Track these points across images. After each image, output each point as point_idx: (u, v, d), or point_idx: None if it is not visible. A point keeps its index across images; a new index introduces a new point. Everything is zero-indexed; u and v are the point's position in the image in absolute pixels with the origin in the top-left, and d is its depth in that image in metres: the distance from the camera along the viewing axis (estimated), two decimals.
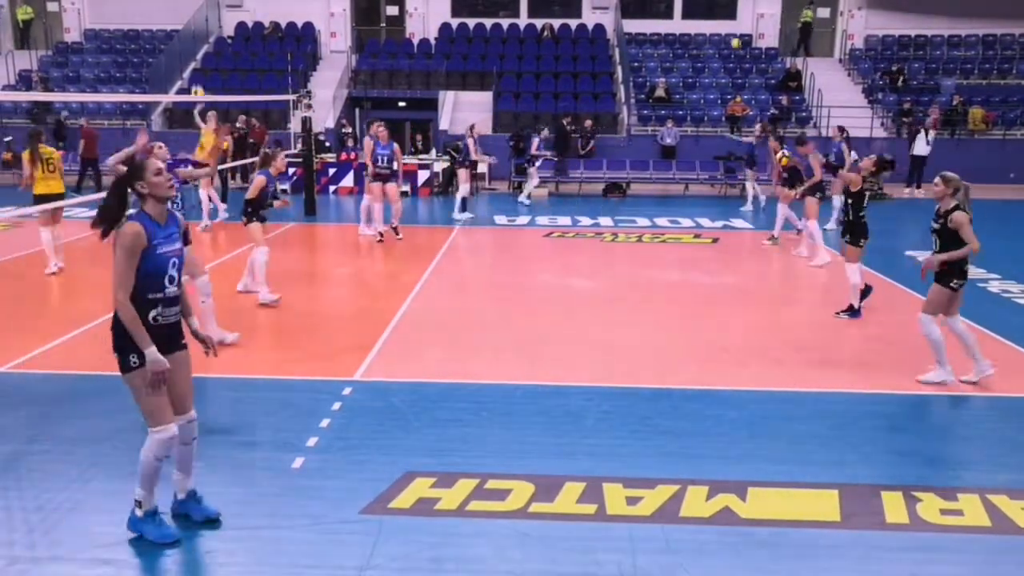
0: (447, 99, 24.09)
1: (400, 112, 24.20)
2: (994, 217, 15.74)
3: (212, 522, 4.34)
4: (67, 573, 3.95)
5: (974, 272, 10.03)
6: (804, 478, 4.98)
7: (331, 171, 19.36)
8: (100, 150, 18.64)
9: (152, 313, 3.99)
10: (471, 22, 27.13)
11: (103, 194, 4.34)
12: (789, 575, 4.03)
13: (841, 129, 15.58)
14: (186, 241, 7.20)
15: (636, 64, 25.47)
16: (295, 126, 18.89)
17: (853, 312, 8.74)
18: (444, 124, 23.04)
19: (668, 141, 21.83)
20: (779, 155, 13.04)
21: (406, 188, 17.91)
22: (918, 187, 19.73)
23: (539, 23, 26.88)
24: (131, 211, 4.07)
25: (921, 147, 20.23)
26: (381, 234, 12.91)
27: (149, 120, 22.99)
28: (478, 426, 5.75)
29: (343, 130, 21.31)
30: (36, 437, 5.45)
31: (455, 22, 27.12)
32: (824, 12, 27.06)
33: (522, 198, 18.20)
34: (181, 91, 23.43)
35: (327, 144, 20.57)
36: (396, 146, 13.01)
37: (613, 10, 26.65)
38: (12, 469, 4.97)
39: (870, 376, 6.92)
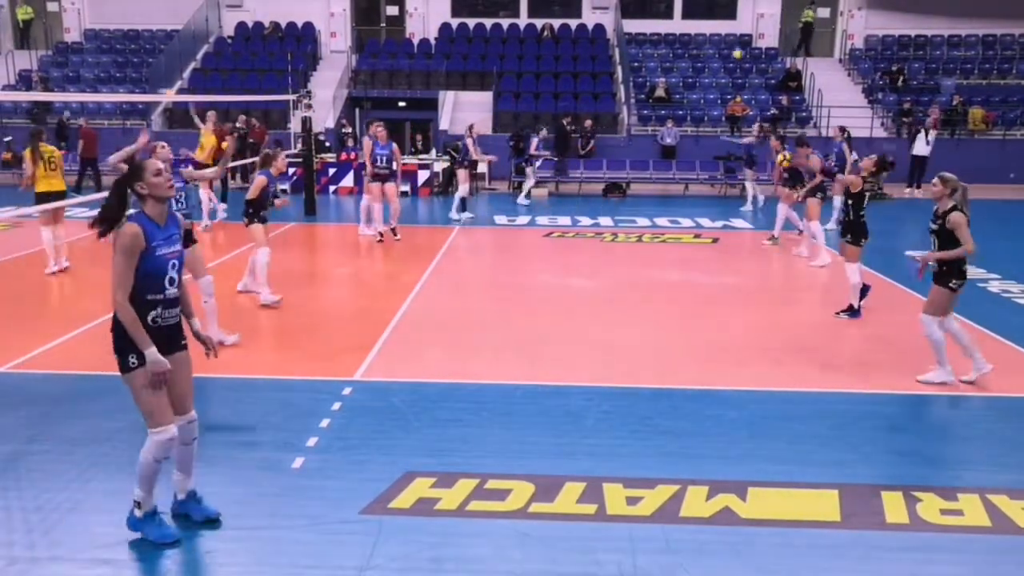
0: (447, 99, 24.09)
1: (400, 112, 24.21)
2: (994, 217, 15.76)
3: (212, 522, 4.34)
4: (67, 573, 3.95)
5: (974, 272, 10.04)
6: (804, 478, 4.98)
7: (331, 171, 19.36)
8: (100, 150, 18.65)
9: (151, 314, 3.98)
10: (471, 22, 27.13)
11: (103, 194, 4.35)
12: (789, 575, 4.03)
13: (842, 129, 15.59)
14: (191, 241, 7.27)
15: (636, 64, 25.47)
16: (295, 126, 18.91)
17: (853, 312, 8.74)
18: (444, 124, 23.04)
19: (668, 141, 21.83)
20: (780, 156, 13.05)
21: (406, 188, 17.92)
22: (918, 187, 19.73)
23: (539, 23, 26.88)
24: (131, 211, 4.07)
25: (921, 147, 20.23)
26: (381, 234, 12.92)
27: (149, 120, 23.00)
28: (478, 426, 5.75)
29: (343, 130, 21.31)
30: (36, 437, 5.45)
31: (455, 22, 27.13)
32: (824, 12, 27.06)
33: (521, 199, 18.19)
34: (181, 91, 23.45)
35: (327, 144, 20.57)
36: (395, 146, 13.01)
37: (613, 10, 26.65)
38: (12, 469, 4.97)
39: (870, 376, 6.92)
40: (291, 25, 26.83)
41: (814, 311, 9.23)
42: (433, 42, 26.52)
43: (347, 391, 6.35)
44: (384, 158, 12.78)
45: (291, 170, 17.93)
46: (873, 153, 10.04)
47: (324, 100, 22.59)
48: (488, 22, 27.16)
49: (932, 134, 20.29)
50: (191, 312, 4.34)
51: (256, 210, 8.72)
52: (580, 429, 5.72)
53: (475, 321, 8.51)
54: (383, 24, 27.84)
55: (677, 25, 27.31)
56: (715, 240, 13.75)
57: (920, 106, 22.95)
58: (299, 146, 16.64)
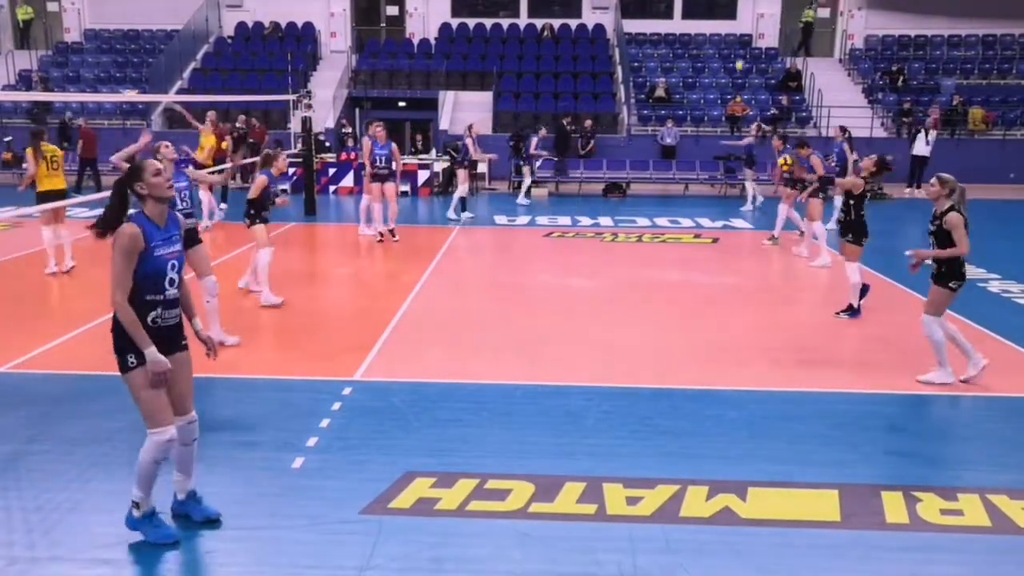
0: (447, 99, 24.09)
1: (400, 112, 24.21)
2: (994, 217, 15.77)
3: (212, 522, 4.34)
4: (67, 573, 3.95)
5: (974, 272, 10.05)
6: (804, 478, 4.98)
7: (331, 171, 19.36)
8: (100, 150, 18.65)
9: (151, 315, 3.98)
10: (471, 22, 27.14)
11: (104, 194, 4.35)
12: (789, 575, 4.03)
13: (843, 129, 15.56)
14: (195, 240, 7.26)
15: (636, 64, 25.47)
16: (295, 126, 18.91)
17: (853, 312, 8.74)
18: (444, 124, 23.05)
19: (668, 141, 21.83)
20: (782, 160, 13.04)
21: (406, 188, 17.92)
22: (918, 187, 19.72)
23: (539, 23, 26.88)
24: (132, 211, 4.06)
25: (921, 147, 20.23)
26: (381, 234, 12.93)
27: (149, 120, 23.00)
28: (478, 426, 5.75)
29: (343, 130, 21.31)
30: (36, 437, 5.45)
31: (455, 22, 27.13)
32: (824, 12, 27.06)
33: (520, 199, 18.18)
34: (181, 91, 23.44)
35: (327, 144, 20.57)
36: (394, 146, 13.01)
37: (613, 10, 26.65)
38: (12, 469, 4.97)
39: (870, 376, 6.92)
40: (291, 25, 26.84)
41: (814, 311, 9.23)
42: (433, 42, 26.52)
43: (347, 391, 6.35)
44: (383, 158, 12.78)
45: (291, 170, 17.92)
46: (873, 153, 10.03)
47: (324, 100, 22.59)
48: (488, 22, 27.16)
49: (932, 134, 20.29)
50: (193, 312, 4.33)
51: (258, 210, 8.71)
52: (580, 429, 5.72)
53: (475, 321, 8.51)
54: (383, 24, 27.84)
55: (677, 25, 27.31)
56: (715, 240, 13.75)
57: (920, 106, 22.95)
58: (299, 146, 16.64)
